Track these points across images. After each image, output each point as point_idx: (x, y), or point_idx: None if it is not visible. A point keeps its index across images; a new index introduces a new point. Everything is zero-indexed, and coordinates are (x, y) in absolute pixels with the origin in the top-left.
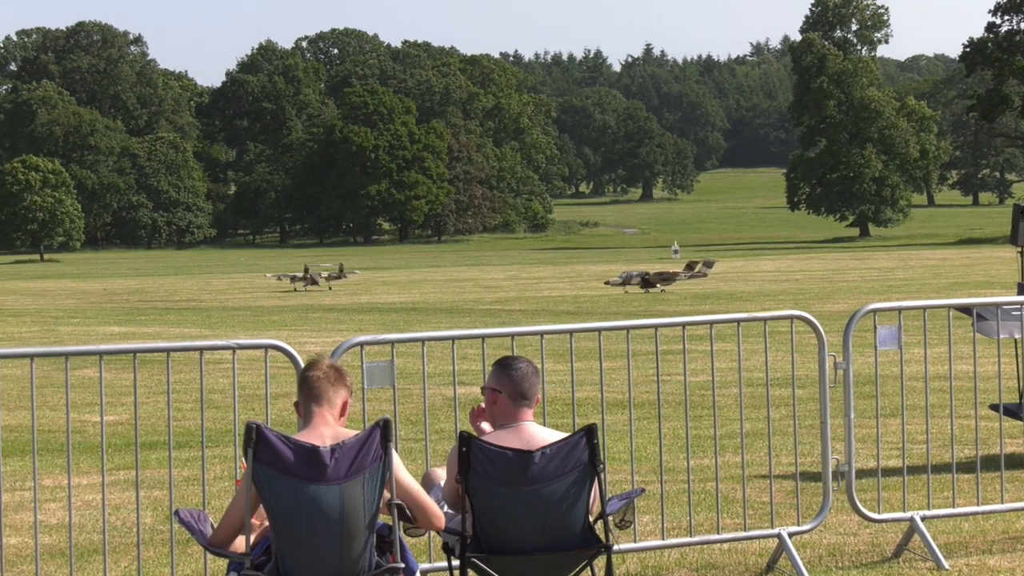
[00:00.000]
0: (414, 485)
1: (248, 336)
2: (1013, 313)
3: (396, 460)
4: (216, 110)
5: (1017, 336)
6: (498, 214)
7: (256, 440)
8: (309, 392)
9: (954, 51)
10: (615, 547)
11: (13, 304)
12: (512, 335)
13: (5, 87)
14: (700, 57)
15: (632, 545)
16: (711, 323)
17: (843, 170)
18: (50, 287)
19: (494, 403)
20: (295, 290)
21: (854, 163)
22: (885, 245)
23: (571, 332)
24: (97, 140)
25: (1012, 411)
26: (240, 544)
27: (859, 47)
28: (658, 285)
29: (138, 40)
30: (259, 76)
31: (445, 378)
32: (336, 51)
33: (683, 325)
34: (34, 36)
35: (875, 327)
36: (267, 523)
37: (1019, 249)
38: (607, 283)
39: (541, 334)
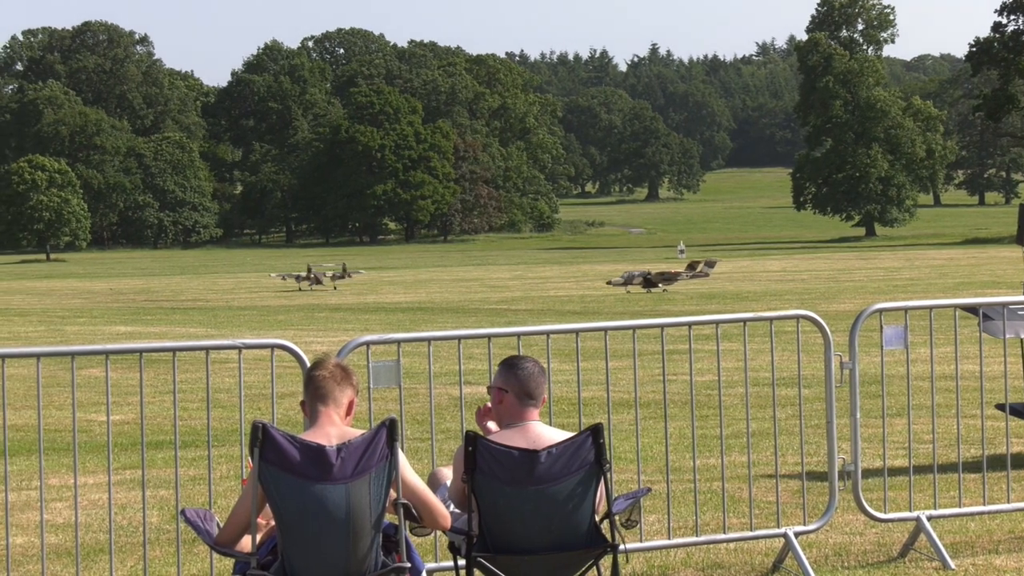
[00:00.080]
0: (420, 485)
1: (254, 336)
2: (1019, 313)
3: (402, 459)
4: (222, 110)
5: (1023, 336)
6: (504, 214)
7: (262, 439)
8: (315, 391)
9: (960, 51)
10: (621, 547)
11: (19, 304)
12: (518, 335)
13: (11, 87)
14: (706, 57)
15: (638, 545)
16: (717, 323)
17: (849, 170)
18: (56, 287)
19: (500, 402)
20: (300, 290)
21: (860, 163)
22: (891, 245)
23: (577, 332)
24: (103, 140)
25: (1018, 411)
26: (246, 544)
27: (865, 47)
28: (660, 285)
29: (144, 40)
30: (265, 76)
31: (451, 378)
32: (342, 51)
33: (689, 325)
34: (40, 36)
35: (881, 327)
36: (273, 522)
37: None
38: (609, 283)
39: (547, 334)
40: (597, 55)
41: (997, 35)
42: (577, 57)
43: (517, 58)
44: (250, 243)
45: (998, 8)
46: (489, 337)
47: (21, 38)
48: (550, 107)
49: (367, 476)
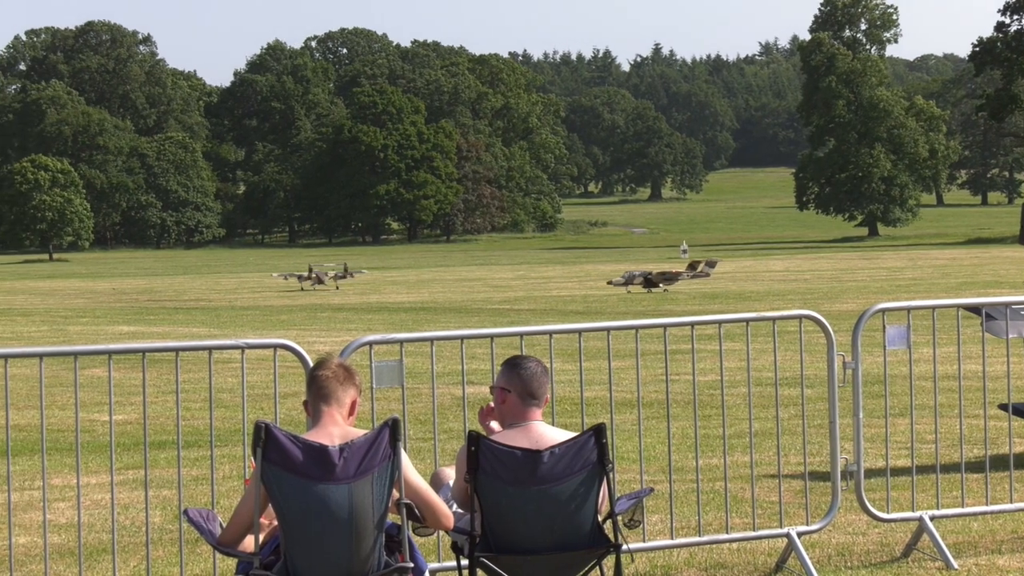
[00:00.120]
0: (423, 484)
1: (257, 336)
2: (1022, 313)
3: (405, 459)
4: (225, 110)
5: None
6: (507, 214)
7: (265, 439)
8: (318, 391)
9: (963, 51)
10: (624, 547)
11: (22, 304)
12: (521, 335)
13: (14, 87)
14: (709, 57)
15: (641, 545)
16: (720, 323)
17: (852, 170)
18: (59, 287)
19: (503, 402)
20: (302, 289)
21: (863, 163)
22: (894, 245)
23: (580, 332)
24: (106, 140)
25: (1021, 410)
26: (249, 543)
27: (868, 46)
28: (661, 285)
29: (147, 40)
30: (268, 76)
31: (454, 377)
32: (345, 51)
33: (692, 325)
34: (43, 36)
35: (884, 327)
36: (276, 522)
37: None
38: (610, 283)
39: (550, 333)
40: (600, 55)
41: (1000, 35)
42: (580, 57)
43: (520, 58)
44: (253, 243)
45: (1001, 8)
46: (492, 337)
47: (24, 38)
48: (553, 107)
49: (370, 476)
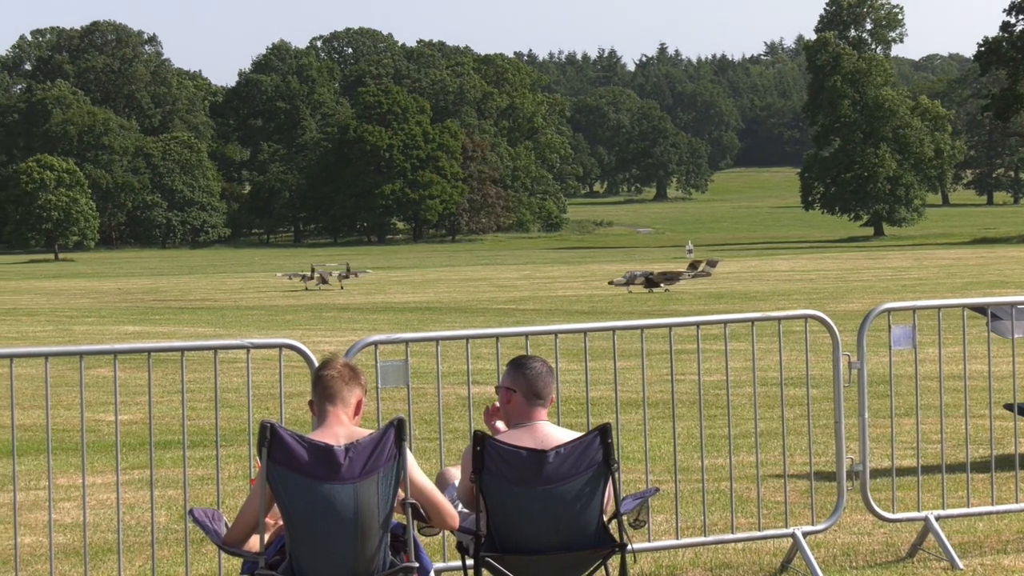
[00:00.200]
0: (428, 484)
1: (262, 335)
2: None
3: (410, 459)
4: (230, 110)
5: None
6: (512, 214)
7: (270, 439)
8: (323, 391)
9: (969, 50)
10: (629, 547)
11: (28, 303)
12: (526, 334)
13: (20, 87)
14: (714, 56)
15: (646, 544)
16: (725, 323)
17: (857, 169)
18: (64, 286)
19: (508, 402)
20: (306, 289)
21: (868, 162)
22: (899, 245)
23: (585, 331)
24: (111, 140)
25: None
26: (254, 543)
27: (873, 46)
28: (662, 285)
29: (152, 40)
30: (273, 76)
31: (459, 377)
32: (350, 51)
33: (697, 325)
34: (48, 36)
35: (889, 327)
36: (281, 522)
37: None
38: (611, 283)
39: (555, 333)
40: (605, 55)
41: (1006, 35)
42: (585, 57)
43: (525, 58)
44: (258, 243)
45: (1007, 8)
46: (497, 337)
47: (29, 38)
48: (558, 107)
49: (375, 476)
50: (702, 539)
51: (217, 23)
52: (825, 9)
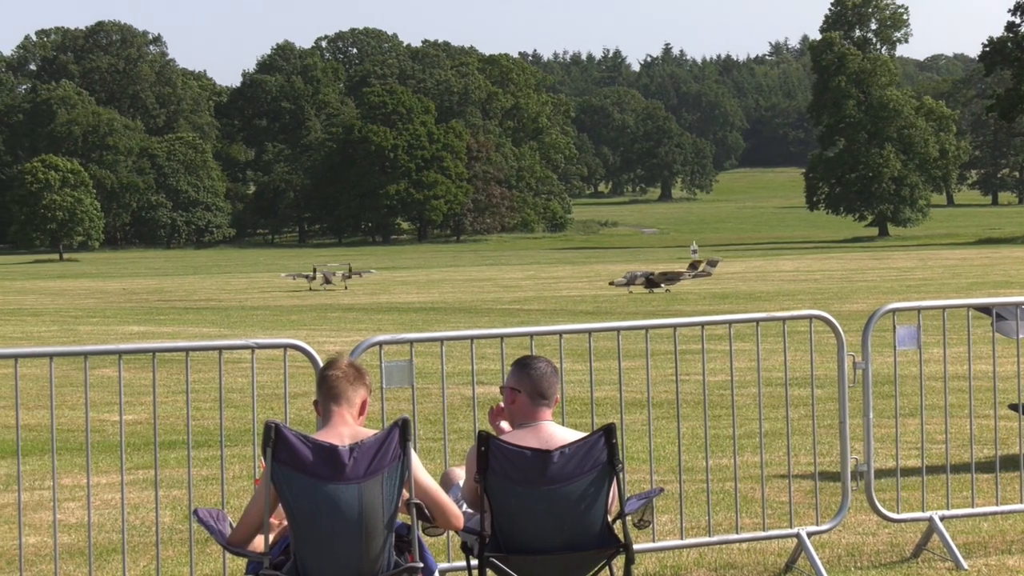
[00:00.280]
0: (432, 485)
1: (267, 335)
2: None
3: (415, 459)
4: (235, 110)
5: None
6: (517, 214)
7: (275, 439)
8: (328, 391)
9: (974, 51)
10: (633, 547)
11: (33, 303)
12: (531, 335)
13: (24, 87)
14: (719, 57)
15: (650, 545)
16: (730, 323)
17: (862, 170)
18: (69, 287)
19: (513, 402)
20: (310, 289)
21: (873, 163)
22: (904, 245)
23: (590, 332)
24: (116, 140)
25: None
26: (259, 543)
27: (878, 46)
28: (663, 285)
29: (157, 40)
30: (277, 76)
31: (464, 378)
32: (355, 51)
33: (702, 325)
34: (53, 36)
35: (894, 327)
36: (286, 522)
37: None
38: (612, 283)
39: (560, 334)
40: (610, 55)
41: (1011, 35)
42: (590, 57)
43: (530, 58)
44: (263, 243)
45: (1012, 8)
46: (502, 337)
47: (34, 38)
48: (563, 107)
49: (380, 476)
50: (706, 539)
51: (222, 23)
52: (830, 9)
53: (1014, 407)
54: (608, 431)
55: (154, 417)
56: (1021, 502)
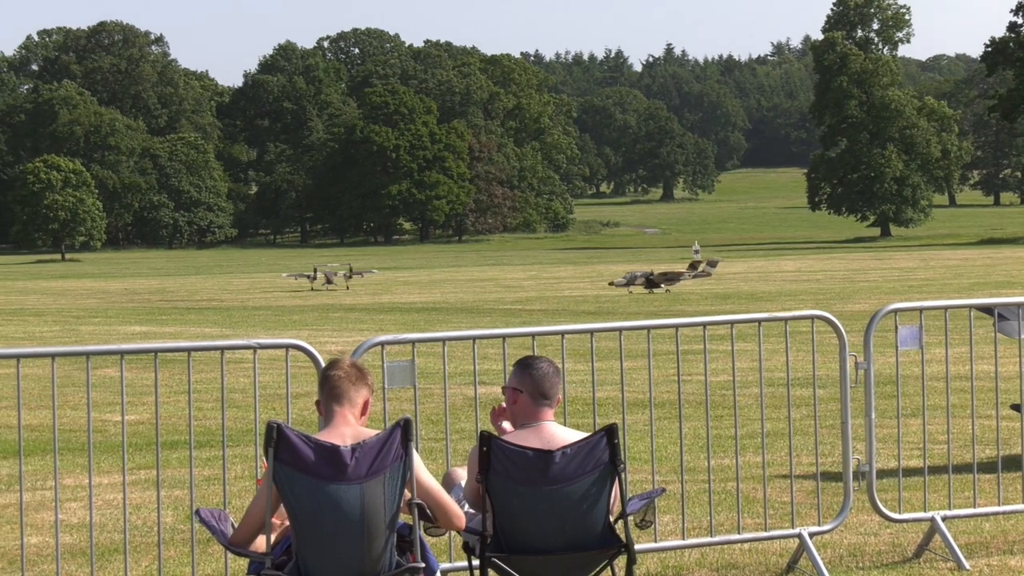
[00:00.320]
0: (434, 485)
1: (269, 336)
2: None
3: (416, 460)
4: (237, 110)
5: None
6: (519, 214)
7: (277, 439)
8: (330, 391)
9: (975, 51)
10: (635, 547)
11: (35, 303)
12: (533, 335)
13: (26, 87)
14: (721, 57)
15: (652, 545)
16: (732, 323)
17: (864, 170)
18: (71, 287)
19: (515, 403)
20: (312, 289)
21: (875, 163)
22: (906, 245)
23: (592, 332)
24: (118, 140)
25: None
26: (261, 544)
27: (880, 46)
28: (662, 285)
29: (159, 40)
30: (279, 76)
31: (466, 378)
32: (357, 51)
33: (704, 325)
34: (55, 36)
35: (896, 327)
36: (288, 522)
37: None
38: (611, 284)
39: (562, 334)
40: (612, 55)
41: (1013, 35)
42: (592, 57)
43: (532, 58)
44: (265, 243)
45: (1014, 8)
46: (504, 337)
47: (36, 38)
48: (565, 107)
49: (381, 476)
50: (708, 539)
51: (224, 23)
52: (832, 9)
53: (1016, 407)
54: (610, 431)
55: (156, 417)
56: (1023, 502)
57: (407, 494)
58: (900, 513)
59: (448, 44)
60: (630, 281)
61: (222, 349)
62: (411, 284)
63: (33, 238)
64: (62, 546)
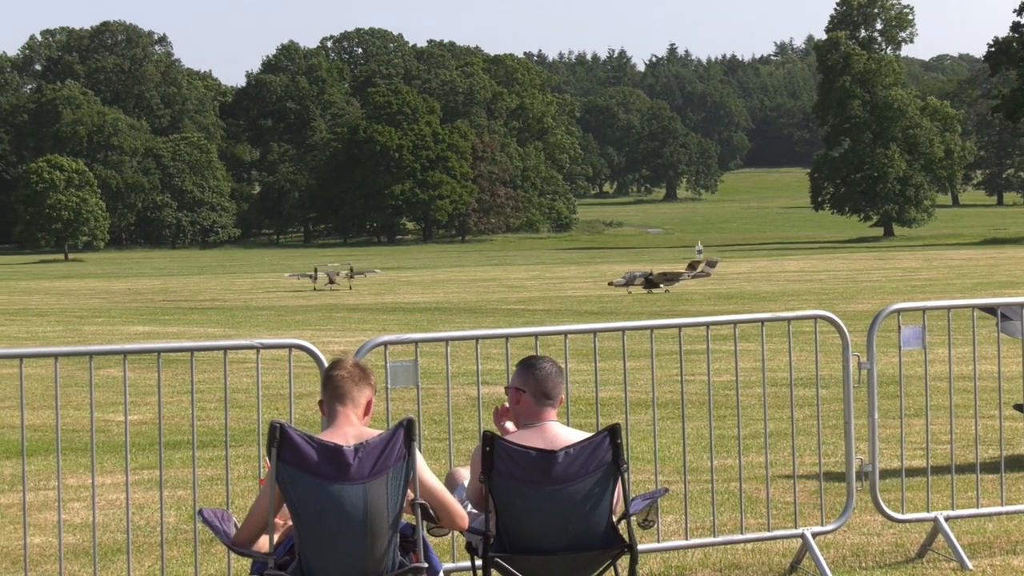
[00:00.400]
0: (437, 485)
1: (272, 336)
2: None
3: (419, 460)
4: (240, 110)
5: None
6: (522, 214)
7: (280, 439)
8: (333, 391)
9: (979, 51)
10: (638, 547)
11: (38, 304)
12: (536, 335)
13: (30, 87)
14: (724, 57)
15: (655, 545)
16: (735, 323)
17: (867, 170)
18: (74, 287)
19: (518, 403)
20: (315, 289)
21: (878, 163)
22: (909, 245)
23: (595, 332)
24: (121, 140)
25: None
26: (263, 544)
27: (884, 46)
28: (661, 285)
29: (162, 40)
30: (282, 76)
31: (469, 378)
32: (360, 51)
33: (707, 325)
34: (59, 36)
35: (899, 327)
36: (290, 522)
37: None
38: (611, 284)
39: (565, 334)
40: (615, 55)
41: (1016, 35)
42: (595, 57)
43: (535, 58)
44: (268, 243)
45: (1017, 8)
46: (507, 337)
47: (40, 38)
48: (568, 107)
49: (384, 476)
50: (711, 539)
51: (227, 23)
52: (835, 9)
53: (1019, 407)
54: (613, 431)
55: (159, 417)
56: None
57: (410, 494)
58: (903, 513)
59: (451, 44)
60: (629, 281)
61: (225, 349)
62: (414, 284)
63: (36, 238)
64: (65, 546)
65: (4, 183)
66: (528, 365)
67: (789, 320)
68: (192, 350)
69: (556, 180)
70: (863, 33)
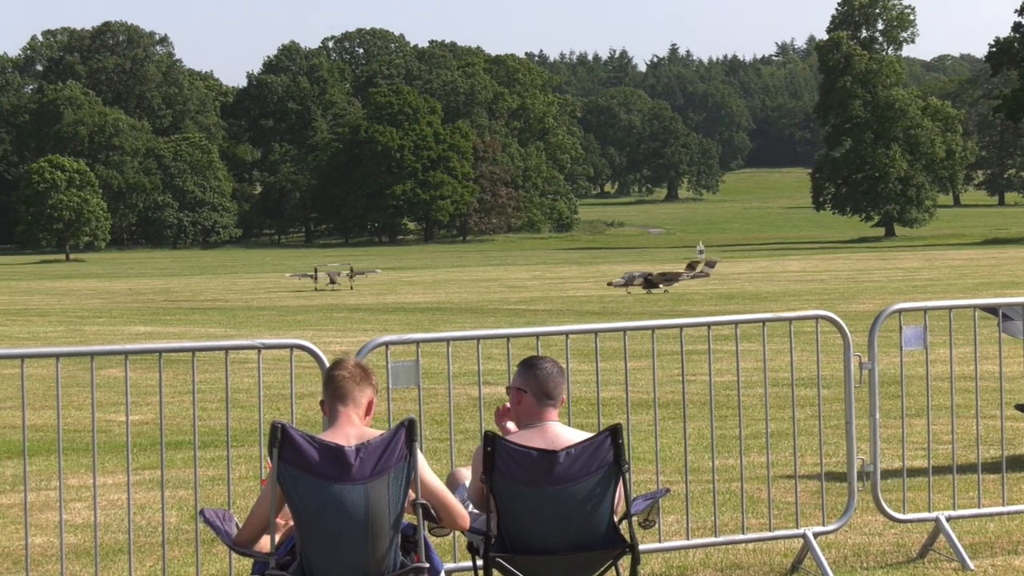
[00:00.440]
0: (439, 485)
1: (273, 336)
2: None
3: (421, 460)
4: (241, 110)
5: None
6: (523, 214)
7: (281, 440)
8: (335, 391)
9: (980, 51)
10: (639, 547)
11: (39, 304)
12: (537, 335)
13: (31, 87)
14: (725, 57)
15: (657, 545)
16: (736, 323)
17: (868, 170)
18: (76, 287)
19: (519, 403)
20: (316, 289)
21: (879, 163)
22: (911, 245)
23: (596, 332)
24: (122, 140)
25: None
26: (265, 544)
27: (885, 46)
28: (661, 286)
29: (164, 40)
30: (283, 76)
31: (470, 378)
32: (362, 51)
33: (708, 325)
34: (60, 36)
35: (900, 327)
36: (292, 523)
37: None
38: (610, 284)
39: (566, 334)
40: (616, 55)
41: (1017, 35)
42: (596, 57)
43: (536, 58)
44: (269, 243)
45: (1019, 8)
46: (508, 337)
47: (41, 38)
48: (569, 107)
49: (386, 476)
50: (713, 540)
51: (228, 24)
52: (837, 9)
53: (1021, 407)
54: (614, 431)
55: (160, 417)
56: None
57: (411, 494)
58: (904, 513)
59: (452, 44)
60: (628, 282)
61: (226, 349)
62: (415, 284)
63: (37, 238)
64: (66, 546)
65: (6, 183)
66: (529, 365)
67: (790, 320)
68: (193, 350)
69: (557, 180)
70: (864, 33)
